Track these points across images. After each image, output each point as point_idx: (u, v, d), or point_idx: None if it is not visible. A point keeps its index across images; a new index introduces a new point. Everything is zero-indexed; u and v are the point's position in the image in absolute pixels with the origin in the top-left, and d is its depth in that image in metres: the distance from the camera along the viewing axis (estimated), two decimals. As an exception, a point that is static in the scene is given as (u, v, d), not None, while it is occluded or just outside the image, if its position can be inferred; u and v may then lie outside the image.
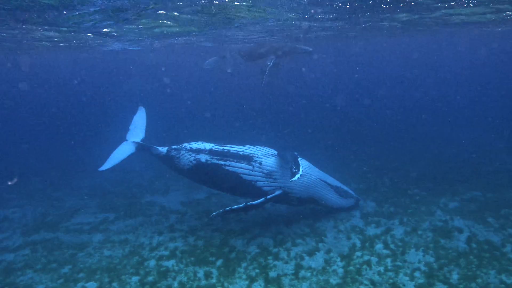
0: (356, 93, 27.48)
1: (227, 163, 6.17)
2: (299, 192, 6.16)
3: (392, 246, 5.54)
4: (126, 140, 7.28)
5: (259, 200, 5.84)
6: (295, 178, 5.53)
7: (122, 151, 7.02)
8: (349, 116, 18.06)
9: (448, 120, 15.39)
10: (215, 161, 6.23)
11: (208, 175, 6.31)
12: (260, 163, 6.18)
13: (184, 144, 6.76)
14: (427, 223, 6.12)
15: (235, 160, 6.19)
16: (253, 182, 6.05)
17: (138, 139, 7.29)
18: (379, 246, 5.55)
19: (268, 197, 5.91)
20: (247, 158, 6.23)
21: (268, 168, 6.17)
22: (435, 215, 6.39)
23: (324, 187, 6.44)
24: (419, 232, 5.84)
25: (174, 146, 6.80)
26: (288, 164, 6.21)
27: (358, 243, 5.68)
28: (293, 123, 16.87)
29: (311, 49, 11.17)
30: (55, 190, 9.58)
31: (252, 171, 6.10)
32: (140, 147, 7.13)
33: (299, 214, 6.88)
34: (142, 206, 7.98)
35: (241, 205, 5.74)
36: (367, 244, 5.63)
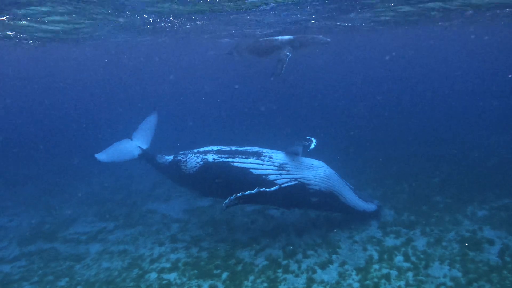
0: (368, 92, 27.30)
1: (236, 160, 6.22)
2: (317, 183, 6.04)
3: (413, 258, 5.45)
4: (131, 140, 7.32)
5: (272, 188, 5.78)
6: (312, 145, 5.66)
7: (124, 151, 7.08)
8: (363, 117, 17.94)
9: (472, 121, 15.14)
10: (223, 159, 6.29)
11: (216, 175, 6.28)
12: (271, 157, 6.25)
13: (192, 150, 6.89)
14: (452, 233, 6.00)
15: (244, 157, 6.25)
16: (264, 176, 5.99)
17: (143, 146, 7.35)
18: (399, 259, 5.46)
19: (283, 185, 5.83)
20: (256, 154, 6.31)
21: (279, 161, 6.20)
22: (462, 224, 6.26)
23: (344, 185, 6.38)
24: (444, 244, 5.73)
25: (182, 152, 6.92)
26: (299, 156, 6.27)
27: (376, 255, 5.60)
28: (302, 125, 16.84)
29: (329, 39, 11.01)
30: (51, 197, 9.76)
31: (263, 165, 6.11)
32: (144, 154, 7.23)
33: (310, 223, 6.84)
34: (142, 214, 8.05)
35: (253, 191, 5.63)
36: (385, 256, 5.54)
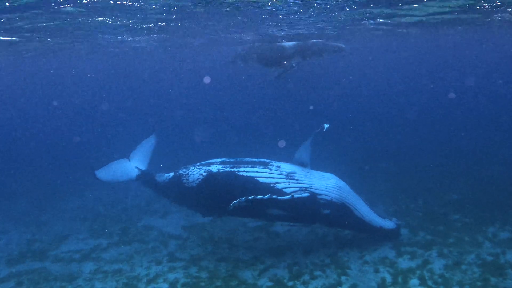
0: (378, 98, 27.28)
1: (241, 169, 6.23)
2: (329, 193, 6.00)
3: (430, 282, 5.31)
4: (129, 160, 7.42)
5: (285, 197, 5.78)
6: (326, 126, 5.85)
7: (121, 171, 7.17)
8: (374, 127, 17.88)
9: (495, 132, 14.97)
10: (228, 169, 6.30)
11: (220, 186, 6.24)
12: (278, 166, 6.28)
13: (194, 163, 6.90)
14: (472, 256, 5.86)
15: (250, 166, 6.27)
16: (271, 185, 5.99)
17: (141, 167, 7.43)
18: (414, 282, 5.33)
19: (295, 196, 5.82)
20: (263, 163, 6.34)
21: (288, 170, 6.23)
22: (483, 247, 6.12)
23: (358, 198, 6.29)
24: (463, 267, 5.59)
25: (183, 166, 6.94)
26: (307, 167, 6.32)
27: (389, 278, 5.48)
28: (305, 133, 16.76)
29: (343, 45, 10.95)
30: (42, 213, 9.74)
31: (270, 173, 6.13)
32: (142, 176, 7.28)
33: (318, 241, 6.74)
34: (138, 230, 8.00)
35: (265, 196, 5.64)
36: (399, 279, 5.41)
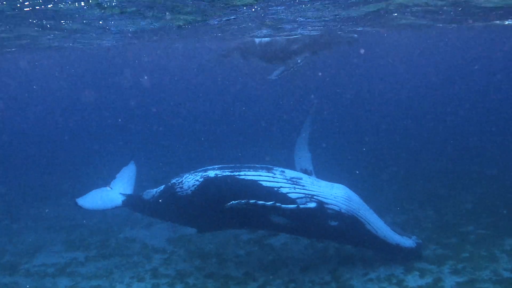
0: (385, 97, 27.19)
1: (242, 173, 6.11)
2: (337, 203, 5.83)
3: (441, 303, 5.20)
4: (111, 189, 7.52)
5: (290, 206, 5.62)
6: (315, 101, 5.73)
7: (104, 200, 7.25)
8: (380, 127, 17.79)
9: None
10: (227, 173, 6.19)
11: (218, 192, 6.08)
12: (283, 171, 6.23)
13: (188, 171, 6.78)
14: (487, 272, 5.73)
15: (252, 170, 6.18)
16: (275, 189, 5.88)
17: (126, 191, 7.55)
18: (423, 303, 5.22)
19: (301, 206, 5.67)
20: (266, 168, 6.26)
21: (293, 174, 6.19)
22: (500, 261, 5.99)
23: (370, 211, 6.13)
24: (478, 285, 5.44)
25: (176, 176, 6.83)
26: (312, 175, 6.32)
27: (396, 298, 5.36)
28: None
29: (356, 35, 10.60)
30: (14, 221, 9.62)
31: (274, 177, 6.05)
32: (128, 200, 7.30)
33: (317, 255, 6.64)
34: (119, 242, 7.88)
35: (269, 203, 5.47)
36: (407, 300, 5.30)
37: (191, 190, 6.27)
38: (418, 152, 13.33)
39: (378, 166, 11.51)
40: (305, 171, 6.56)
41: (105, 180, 7.64)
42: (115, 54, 21.12)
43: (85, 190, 7.20)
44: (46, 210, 10.12)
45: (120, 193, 7.40)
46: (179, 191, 6.42)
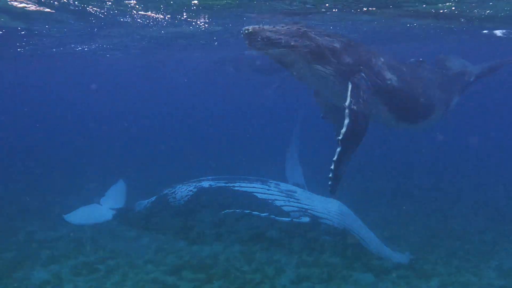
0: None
1: (237, 184, 6.23)
2: (331, 218, 6.02)
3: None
4: (100, 205, 7.44)
5: (284, 218, 5.81)
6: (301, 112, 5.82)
7: (95, 215, 7.20)
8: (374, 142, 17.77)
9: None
10: (222, 184, 6.28)
11: (212, 202, 6.14)
12: (278, 184, 6.36)
13: (181, 182, 6.81)
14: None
15: (246, 181, 6.30)
16: (270, 201, 6.02)
17: (116, 205, 7.45)
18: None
19: (295, 219, 5.85)
20: (260, 180, 6.39)
21: (287, 188, 6.32)
22: (488, 277, 6.07)
23: (364, 227, 6.27)
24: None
25: (167, 187, 6.84)
26: (305, 189, 6.41)
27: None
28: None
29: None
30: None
31: (268, 189, 6.18)
32: (120, 213, 7.23)
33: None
34: (105, 256, 7.61)
35: (264, 214, 5.70)
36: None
37: (184, 201, 6.32)
38: (408, 166, 13.46)
39: (365, 180, 11.56)
40: (297, 185, 6.62)
41: (94, 197, 7.60)
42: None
43: (73, 205, 7.14)
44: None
45: (110, 208, 7.31)
46: (171, 202, 6.44)
